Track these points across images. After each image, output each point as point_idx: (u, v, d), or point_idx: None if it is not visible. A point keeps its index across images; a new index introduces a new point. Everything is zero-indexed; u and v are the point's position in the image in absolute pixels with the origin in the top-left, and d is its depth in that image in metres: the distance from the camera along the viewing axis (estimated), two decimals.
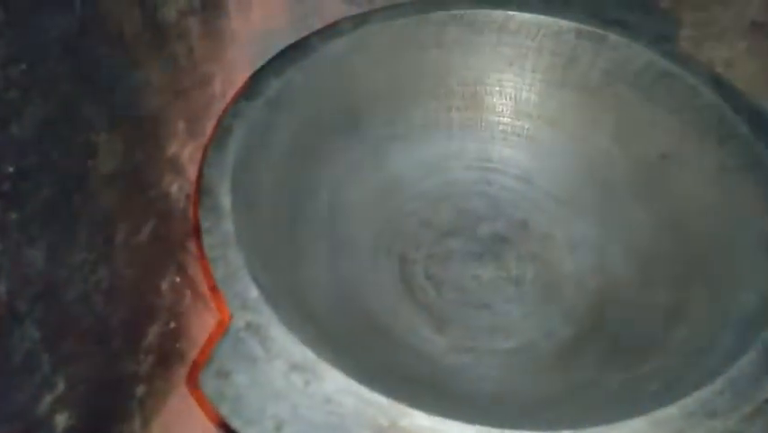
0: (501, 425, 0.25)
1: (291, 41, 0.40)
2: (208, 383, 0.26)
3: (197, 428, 0.41)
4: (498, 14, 0.41)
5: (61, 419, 0.28)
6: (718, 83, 0.37)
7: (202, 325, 0.43)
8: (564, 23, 0.40)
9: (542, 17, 0.41)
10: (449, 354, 0.37)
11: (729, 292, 0.31)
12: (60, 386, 0.28)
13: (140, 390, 0.37)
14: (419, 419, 0.25)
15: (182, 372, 0.42)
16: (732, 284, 0.31)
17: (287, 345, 0.27)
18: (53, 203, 0.27)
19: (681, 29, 0.43)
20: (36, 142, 0.26)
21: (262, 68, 0.38)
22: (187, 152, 0.40)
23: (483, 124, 0.45)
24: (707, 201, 0.36)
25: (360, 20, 0.40)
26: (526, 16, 0.41)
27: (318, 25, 0.41)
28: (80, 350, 0.30)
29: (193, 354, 0.42)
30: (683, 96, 0.37)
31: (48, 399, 0.27)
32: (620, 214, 0.40)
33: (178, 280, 0.40)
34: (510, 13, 0.41)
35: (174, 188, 0.39)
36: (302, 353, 0.26)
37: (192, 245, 0.41)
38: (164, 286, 0.39)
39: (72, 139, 0.28)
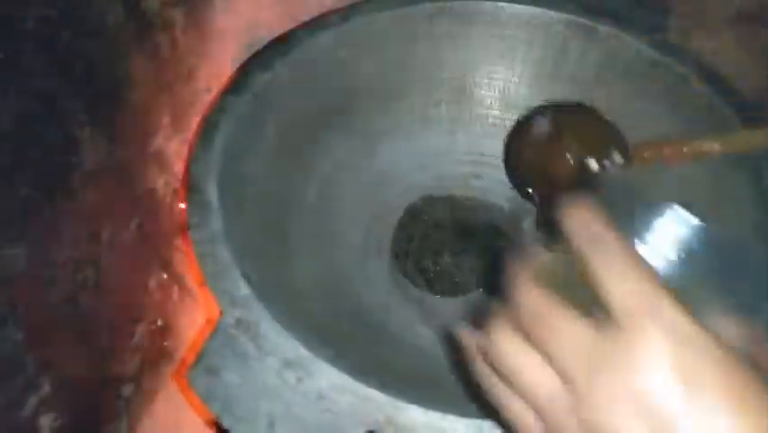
0: None
1: (279, 33, 0.39)
2: (198, 381, 0.26)
3: (187, 427, 0.40)
4: (488, 6, 0.41)
5: (47, 421, 0.28)
6: (707, 72, 0.37)
7: (190, 322, 0.42)
8: (555, 15, 0.40)
9: (532, 9, 0.41)
10: (441, 349, 0.36)
11: None
12: (46, 387, 0.27)
13: (127, 389, 0.36)
14: (416, 414, 0.24)
15: (170, 370, 0.41)
16: None
17: (279, 342, 0.26)
18: (33, 201, 0.26)
19: (669, 19, 0.44)
20: (12, 139, 0.25)
21: (249, 61, 0.38)
22: (172, 147, 0.39)
23: (473, 117, 0.44)
24: (697, 189, 0.36)
25: (347, 12, 0.40)
26: (517, 8, 0.41)
27: (306, 18, 0.40)
28: (66, 350, 0.29)
29: (181, 352, 0.41)
30: (673, 86, 0.37)
31: (33, 400, 0.27)
32: None
33: (165, 277, 0.39)
34: (500, 4, 0.41)
35: (160, 184, 0.38)
36: (295, 349, 0.26)
37: (179, 242, 0.40)
38: (151, 283, 0.38)
39: (52, 135, 0.28)
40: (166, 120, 0.38)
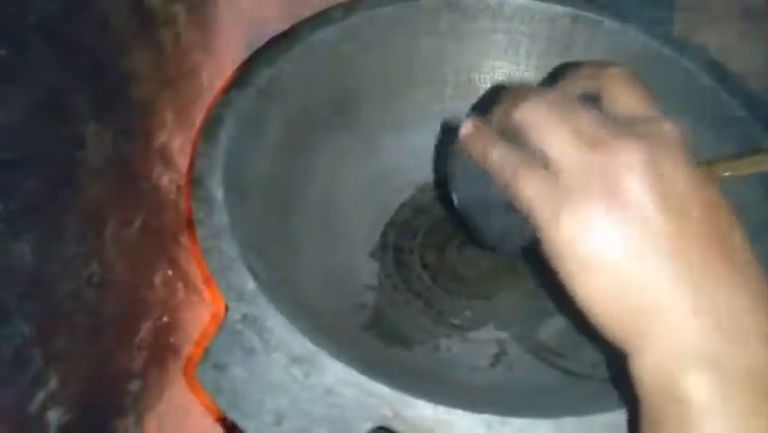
0: (504, 413, 0.25)
1: (282, 29, 0.39)
2: (206, 376, 0.26)
3: (193, 423, 0.40)
4: (492, 0, 0.41)
5: (55, 416, 0.28)
6: (714, 67, 0.37)
7: (196, 319, 0.42)
8: (560, 9, 0.40)
9: (536, 3, 0.40)
10: (445, 344, 0.36)
11: None
12: (53, 382, 0.27)
13: (134, 385, 0.36)
14: (423, 408, 0.24)
15: (177, 367, 0.41)
16: None
17: (285, 337, 0.26)
18: (40, 196, 0.26)
19: (675, 14, 0.43)
20: (20, 133, 0.25)
21: (252, 57, 0.38)
22: (176, 143, 0.39)
23: None
24: None
25: (351, 7, 0.40)
26: (521, 2, 0.40)
27: (309, 13, 0.40)
28: (73, 345, 0.29)
29: (187, 348, 0.42)
30: (679, 81, 0.37)
31: (41, 395, 0.27)
32: None
33: (170, 273, 0.39)
34: None
35: (165, 180, 0.38)
36: (301, 344, 0.26)
37: (184, 238, 0.40)
38: (156, 280, 0.38)
39: (59, 129, 0.28)
40: (170, 116, 0.38)
